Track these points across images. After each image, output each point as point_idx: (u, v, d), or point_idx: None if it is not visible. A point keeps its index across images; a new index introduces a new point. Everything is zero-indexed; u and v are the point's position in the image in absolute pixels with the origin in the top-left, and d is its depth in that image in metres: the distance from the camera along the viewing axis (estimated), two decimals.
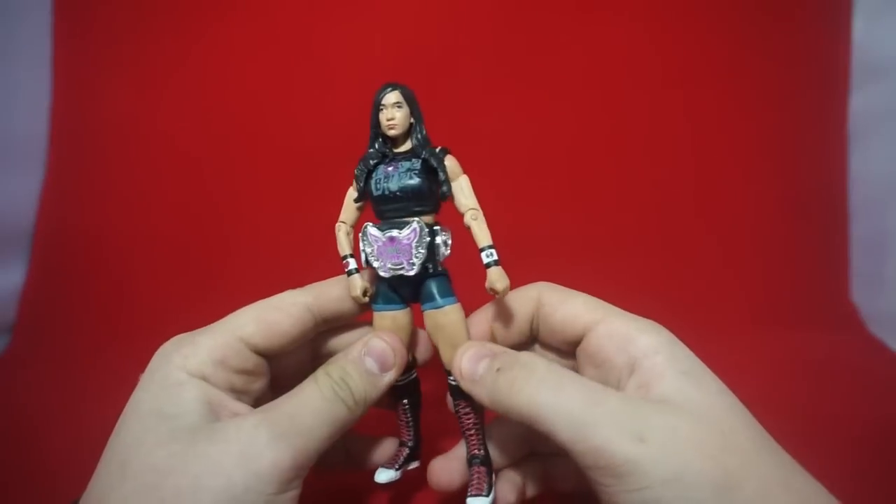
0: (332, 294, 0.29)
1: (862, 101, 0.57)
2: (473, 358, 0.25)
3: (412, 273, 0.27)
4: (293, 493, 0.23)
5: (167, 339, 0.46)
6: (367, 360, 0.26)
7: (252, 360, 0.27)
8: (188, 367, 0.25)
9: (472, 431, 0.28)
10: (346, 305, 0.28)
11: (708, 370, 0.24)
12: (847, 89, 0.58)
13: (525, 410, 0.23)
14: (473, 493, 0.26)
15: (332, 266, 0.53)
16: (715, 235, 0.57)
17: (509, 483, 0.29)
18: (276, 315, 0.27)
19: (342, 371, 0.25)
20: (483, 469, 0.27)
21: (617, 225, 0.57)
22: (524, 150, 0.57)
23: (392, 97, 0.27)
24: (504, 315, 0.28)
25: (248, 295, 0.54)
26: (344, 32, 0.57)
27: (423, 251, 0.26)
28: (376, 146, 0.28)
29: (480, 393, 0.25)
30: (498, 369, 0.24)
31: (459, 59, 0.57)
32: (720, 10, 0.57)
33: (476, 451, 0.28)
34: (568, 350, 0.28)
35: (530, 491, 0.30)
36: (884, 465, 0.35)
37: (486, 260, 0.26)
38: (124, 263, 0.56)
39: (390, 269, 0.27)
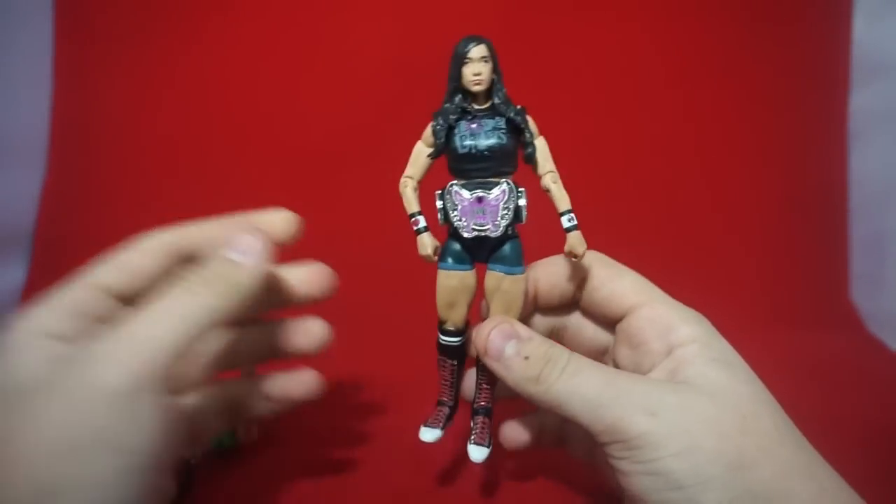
0: (201, 233, 0.28)
1: (862, 101, 0.57)
2: (501, 335, 0.25)
3: (496, 234, 0.26)
4: (163, 404, 0.22)
5: None
6: (227, 251, 0.26)
7: (116, 307, 0.26)
8: (32, 329, 0.24)
9: (487, 386, 0.29)
10: (211, 246, 0.27)
11: (742, 361, 0.25)
12: (847, 89, 0.58)
13: (549, 401, 0.24)
14: (476, 441, 0.27)
15: (334, 265, 0.53)
16: (714, 235, 0.57)
17: (527, 426, 0.29)
18: (134, 256, 0.27)
19: (195, 270, 0.25)
20: (487, 421, 0.28)
21: (616, 225, 0.57)
22: None
23: (478, 51, 0.26)
24: (552, 279, 0.28)
25: None
26: (345, 32, 0.57)
27: (509, 213, 0.26)
28: (456, 101, 0.27)
29: (504, 374, 0.25)
30: (526, 357, 0.24)
31: None
32: (721, 10, 0.57)
33: (484, 403, 0.29)
34: (607, 323, 0.28)
35: (545, 443, 0.30)
36: (884, 466, 0.35)
37: (566, 224, 0.26)
38: None
39: (474, 229, 0.26)
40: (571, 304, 0.29)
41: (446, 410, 0.29)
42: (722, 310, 0.53)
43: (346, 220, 0.57)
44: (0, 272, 0.54)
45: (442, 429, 0.28)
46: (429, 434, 0.28)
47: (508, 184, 0.26)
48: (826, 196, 0.58)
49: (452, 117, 0.26)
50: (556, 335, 0.30)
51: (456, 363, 0.29)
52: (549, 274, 0.28)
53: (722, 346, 0.25)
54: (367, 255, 0.56)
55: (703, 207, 0.58)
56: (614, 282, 0.27)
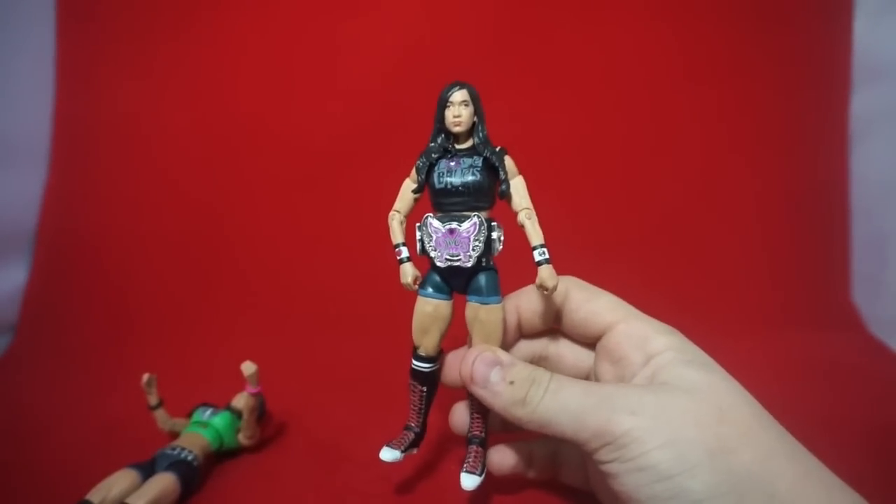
0: None
1: (863, 103, 0.57)
2: (485, 363, 0.27)
3: (469, 265, 0.27)
4: None
5: (168, 338, 0.46)
6: None
7: None
8: None
9: (478, 416, 0.30)
10: None
11: (717, 364, 0.26)
12: (848, 90, 0.58)
13: (537, 420, 0.25)
14: (469, 469, 0.28)
15: (332, 265, 0.53)
16: (716, 236, 0.57)
17: (517, 452, 0.31)
18: None
19: None
20: (480, 450, 0.29)
21: (618, 226, 0.57)
22: (526, 150, 0.57)
23: (459, 95, 0.28)
24: (532, 306, 0.30)
25: (248, 294, 0.55)
26: (346, 31, 0.57)
27: (480, 245, 0.27)
28: (438, 141, 0.29)
29: (491, 400, 0.26)
30: (511, 382, 0.26)
31: (465, 57, 0.57)
32: (722, 11, 0.57)
33: (477, 433, 0.30)
34: (587, 343, 0.30)
35: (535, 472, 0.31)
36: (885, 466, 0.35)
37: (537, 258, 0.27)
38: (126, 263, 0.56)
39: (447, 259, 0.28)
40: (553, 329, 0.31)
41: (411, 435, 0.30)
42: (723, 311, 0.54)
43: (347, 220, 0.57)
44: (1, 272, 0.54)
45: (402, 451, 0.29)
46: (388, 454, 0.29)
47: (479, 217, 0.27)
48: (827, 197, 0.58)
49: (434, 156, 0.29)
50: (536, 363, 0.30)
51: (426, 389, 0.30)
52: (531, 301, 0.30)
53: (696, 351, 0.26)
54: (368, 255, 0.56)
55: (704, 208, 0.58)
56: (591, 303, 0.29)
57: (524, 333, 0.30)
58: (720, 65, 0.58)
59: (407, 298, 0.54)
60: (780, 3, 0.57)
